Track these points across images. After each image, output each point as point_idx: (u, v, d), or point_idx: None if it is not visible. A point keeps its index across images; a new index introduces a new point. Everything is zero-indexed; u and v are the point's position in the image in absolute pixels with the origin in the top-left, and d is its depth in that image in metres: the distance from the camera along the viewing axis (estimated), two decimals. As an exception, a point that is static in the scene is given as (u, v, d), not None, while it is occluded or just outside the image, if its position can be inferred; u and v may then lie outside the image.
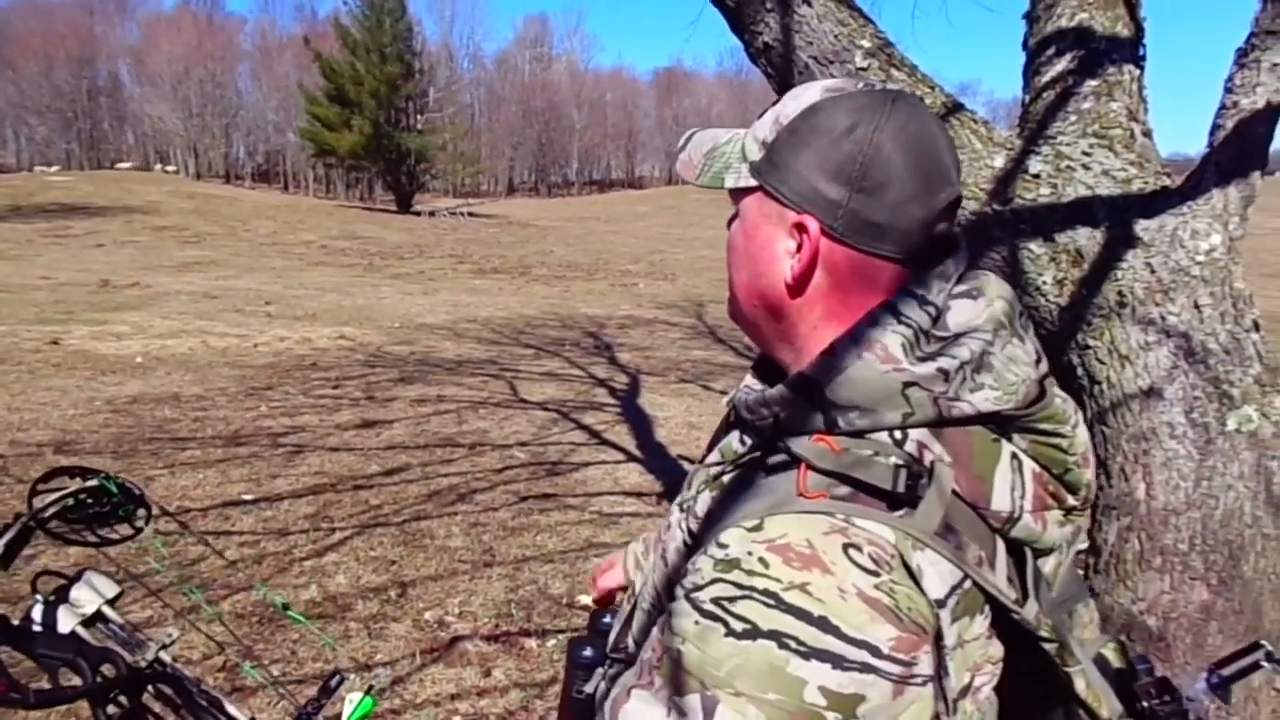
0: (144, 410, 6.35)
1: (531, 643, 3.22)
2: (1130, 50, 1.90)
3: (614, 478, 5.21)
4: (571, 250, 25.86)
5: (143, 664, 1.06)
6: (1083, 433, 0.73)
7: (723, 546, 0.63)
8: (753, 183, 0.75)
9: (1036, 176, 1.83)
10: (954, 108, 1.98)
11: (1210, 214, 1.71)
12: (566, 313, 13.43)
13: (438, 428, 6.18)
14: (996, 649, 0.68)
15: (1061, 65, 1.91)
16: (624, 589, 1.36)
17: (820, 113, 0.71)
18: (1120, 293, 1.72)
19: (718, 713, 0.59)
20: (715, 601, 0.61)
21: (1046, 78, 1.93)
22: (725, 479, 0.75)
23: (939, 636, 0.62)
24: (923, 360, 0.67)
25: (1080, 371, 1.79)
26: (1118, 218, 1.75)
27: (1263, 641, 0.87)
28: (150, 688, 1.07)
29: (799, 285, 0.73)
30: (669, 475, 5.26)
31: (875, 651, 0.59)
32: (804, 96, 0.73)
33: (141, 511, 1.26)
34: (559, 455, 5.62)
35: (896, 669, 0.59)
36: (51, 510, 1.17)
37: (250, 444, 5.58)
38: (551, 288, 17.31)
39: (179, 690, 1.08)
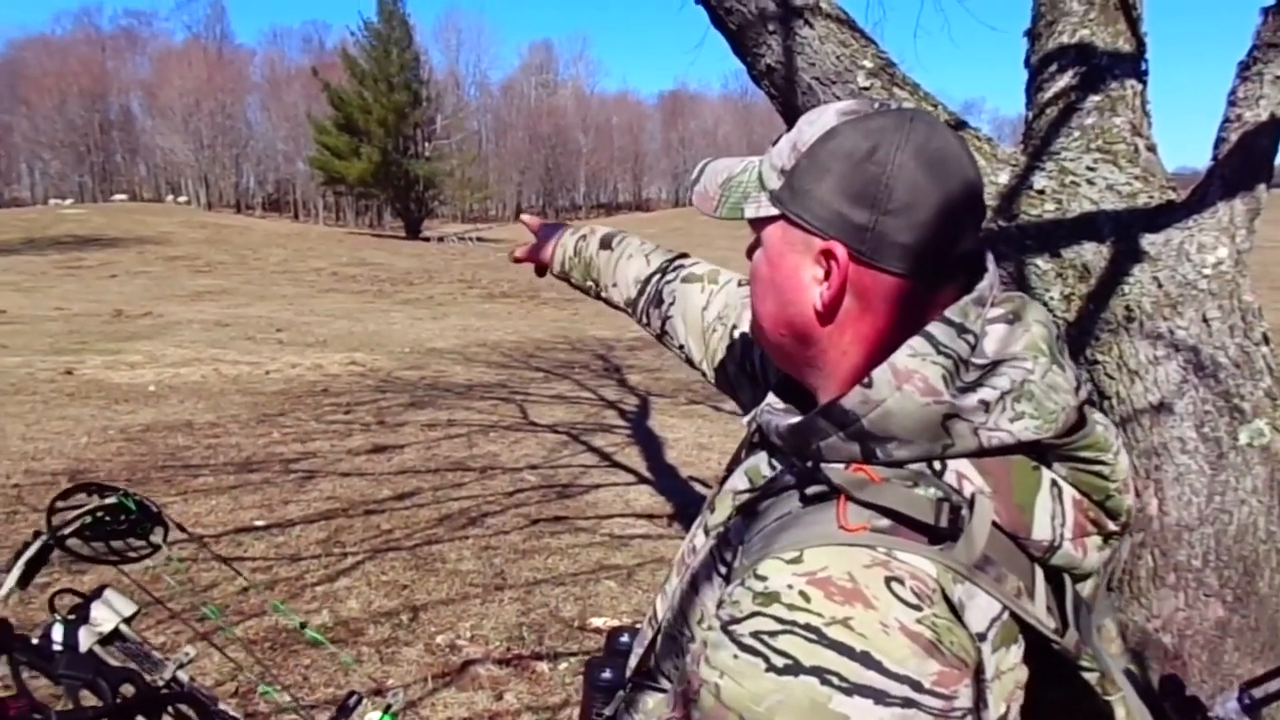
0: (157, 438, 6.38)
1: (543, 666, 3.21)
2: (1132, 65, 1.91)
3: (625, 500, 5.20)
4: (580, 274, 25.86)
5: (160, 683, 1.07)
6: (1124, 459, 0.71)
7: (761, 579, 0.62)
8: (774, 211, 0.74)
9: (1041, 192, 1.84)
10: (958, 125, 1.99)
11: (1216, 227, 1.70)
12: (576, 335, 13.44)
13: (449, 452, 6.19)
14: (1024, 673, 0.67)
15: (1064, 81, 1.92)
16: (542, 263, 1.37)
17: (838, 137, 0.71)
18: (1128, 307, 1.72)
19: None
20: (755, 635, 0.60)
21: (1049, 94, 1.94)
22: (759, 506, 0.72)
23: (979, 670, 0.61)
24: (964, 391, 0.66)
25: (1090, 387, 1.79)
26: (1123, 232, 1.75)
27: None
28: (170, 708, 1.07)
29: (829, 312, 0.72)
30: (680, 497, 5.24)
31: (918, 686, 0.58)
32: (820, 121, 0.73)
33: (159, 529, 1.27)
34: (569, 478, 5.61)
35: (938, 704, 0.58)
36: (70, 528, 1.18)
37: (262, 470, 5.60)
38: (560, 311, 17.34)
39: (198, 709, 1.08)
